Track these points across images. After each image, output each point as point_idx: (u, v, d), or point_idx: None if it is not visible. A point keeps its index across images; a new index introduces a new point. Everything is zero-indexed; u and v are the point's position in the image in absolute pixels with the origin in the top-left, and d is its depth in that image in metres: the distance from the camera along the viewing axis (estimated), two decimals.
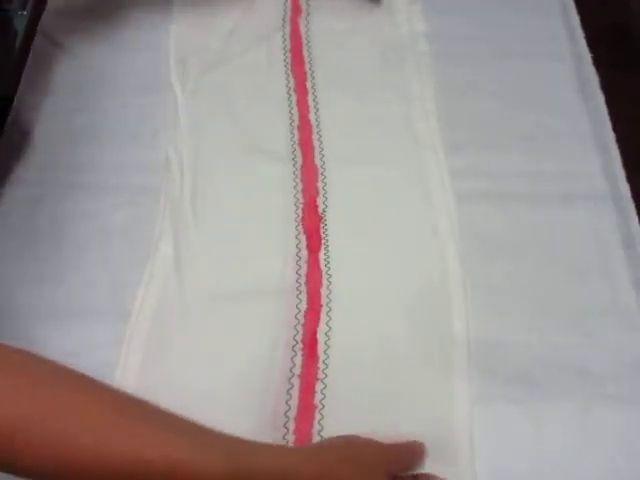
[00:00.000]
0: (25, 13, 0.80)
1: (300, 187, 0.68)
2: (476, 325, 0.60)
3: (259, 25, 0.81)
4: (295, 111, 0.73)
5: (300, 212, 0.67)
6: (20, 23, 0.79)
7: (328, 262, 0.63)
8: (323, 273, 0.63)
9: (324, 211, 0.67)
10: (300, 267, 0.63)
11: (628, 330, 0.60)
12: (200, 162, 0.70)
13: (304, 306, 0.61)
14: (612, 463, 0.53)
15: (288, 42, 0.79)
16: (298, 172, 0.69)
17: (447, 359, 0.58)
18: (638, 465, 0.53)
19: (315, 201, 0.67)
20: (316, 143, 0.71)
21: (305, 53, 0.78)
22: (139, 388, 0.55)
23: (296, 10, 0.82)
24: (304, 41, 0.79)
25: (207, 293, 0.62)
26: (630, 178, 0.68)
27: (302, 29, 0.80)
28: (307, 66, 0.77)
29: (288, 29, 0.80)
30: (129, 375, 0.56)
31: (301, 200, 0.67)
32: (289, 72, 0.77)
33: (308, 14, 0.81)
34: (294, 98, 0.75)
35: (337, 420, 0.54)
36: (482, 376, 0.57)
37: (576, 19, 0.80)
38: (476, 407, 0.56)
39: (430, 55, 0.78)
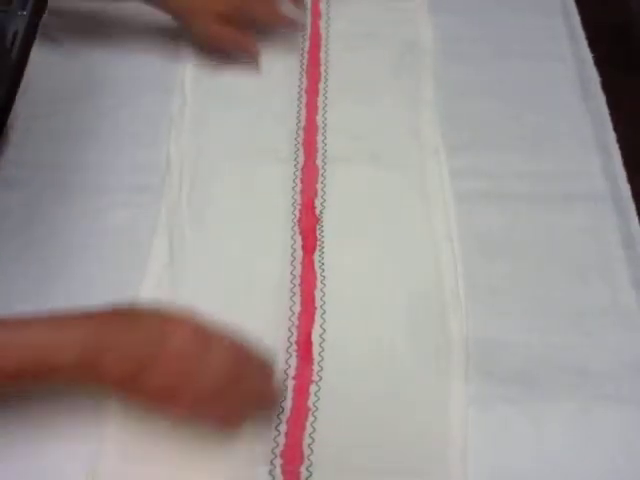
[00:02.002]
0: (25, 13, 0.80)
1: (299, 188, 0.68)
2: (476, 325, 0.60)
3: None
4: (303, 112, 0.73)
5: (297, 213, 0.66)
6: (20, 23, 0.79)
7: (323, 264, 0.63)
8: (317, 275, 0.62)
9: (321, 212, 0.67)
10: (295, 268, 0.63)
11: (628, 330, 0.60)
12: (200, 162, 0.70)
13: (298, 308, 0.60)
14: (612, 463, 0.53)
15: (307, 43, 0.79)
16: (298, 173, 0.69)
17: (445, 360, 0.58)
18: (638, 465, 0.53)
19: (313, 202, 0.67)
20: (320, 145, 0.71)
21: (322, 55, 0.78)
22: None
23: (316, 14, 0.82)
24: (323, 42, 0.79)
25: (205, 293, 0.61)
26: (630, 178, 0.68)
27: (322, 32, 0.80)
28: (322, 68, 0.77)
29: (309, 31, 0.80)
30: None
31: (299, 201, 0.67)
32: (303, 73, 0.77)
33: (328, 18, 0.82)
34: (304, 99, 0.75)
35: (330, 422, 0.54)
36: (482, 376, 0.57)
37: (577, 19, 0.81)
38: (476, 407, 0.56)
39: (430, 55, 0.78)
